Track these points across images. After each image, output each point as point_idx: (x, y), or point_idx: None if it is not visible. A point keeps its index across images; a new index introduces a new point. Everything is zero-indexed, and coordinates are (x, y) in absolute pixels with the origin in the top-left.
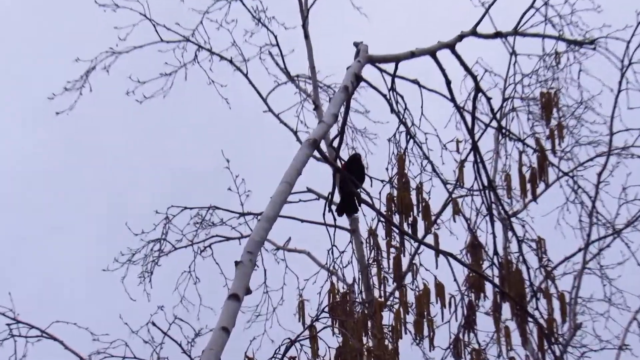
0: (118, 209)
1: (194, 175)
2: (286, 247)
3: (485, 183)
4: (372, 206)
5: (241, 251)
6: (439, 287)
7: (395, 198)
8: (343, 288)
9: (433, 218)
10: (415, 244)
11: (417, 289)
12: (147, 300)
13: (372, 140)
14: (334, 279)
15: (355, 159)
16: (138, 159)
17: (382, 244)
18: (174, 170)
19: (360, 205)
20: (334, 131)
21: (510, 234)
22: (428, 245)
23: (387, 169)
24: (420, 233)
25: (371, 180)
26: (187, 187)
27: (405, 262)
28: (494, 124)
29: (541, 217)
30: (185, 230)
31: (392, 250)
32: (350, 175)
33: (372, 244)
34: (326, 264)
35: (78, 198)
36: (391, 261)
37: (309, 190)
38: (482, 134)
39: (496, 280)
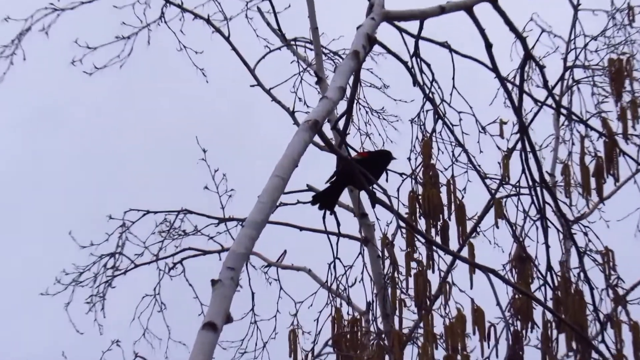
0: (61, 215)
1: (159, 170)
2: (280, 263)
3: (537, 178)
4: (389, 207)
5: (220, 267)
6: (477, 313)
7: (419, 197)
8: (350, 314)
9: (469, 223)
10: (446, 257)
11: (448, 316)
12: (98, 332)
13: (391, 124)
14: (339, 302)
15: (385, 155)
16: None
17: (402, 256)
18: (134, 164)
19: (374, 207)
20: (340, 110)
21: (569, 244)
22: (462, 259)
23: (409, 158)
24: (453, 243)
25: (387, 174)
26: (151, 185)
27: (433, 280)
28: (550, 101)
29: (616, 222)
30: (149, 241)
31: (415, 265)
32: (362, 166)
33: (389, 257)
34: (326, 282)
35: (12, 197)
36: (413, 280)
37: (310, 189)
38: (536, 114)
39: (550, 304)
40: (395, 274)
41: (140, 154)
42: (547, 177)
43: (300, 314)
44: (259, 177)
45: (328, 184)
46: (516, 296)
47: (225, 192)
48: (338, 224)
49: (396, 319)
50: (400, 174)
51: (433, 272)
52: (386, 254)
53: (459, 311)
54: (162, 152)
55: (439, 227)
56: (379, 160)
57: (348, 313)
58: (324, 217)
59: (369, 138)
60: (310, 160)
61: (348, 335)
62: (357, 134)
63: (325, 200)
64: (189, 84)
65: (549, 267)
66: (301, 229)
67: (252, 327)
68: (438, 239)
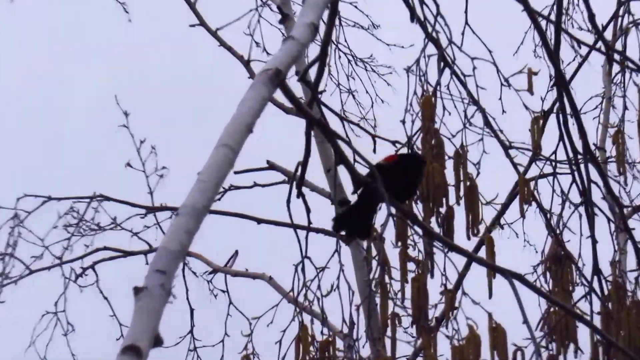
0: None
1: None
2: (230, 267)
3: (581, 149)
4: (370, 185)
5: (145, 272)
6: (497, 333)
7: None
8: (324, 334)
9: (485, 210)
10: (455, 257)
11: (457, 336)
12: None
13: (382, 77)
14: (309, 318)
15: (415, 160)
16: None
17: (395, 255)
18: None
19: (412, 225)
20: (312, 56)
21: (623, 238)
22: (476, 259)
23: (403, 121)
24: (461, 236)
25: (374, 142)
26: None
27: (434, 287)
28: (598, 44)
29: None
30: (49, 238)
31: (414, 267)
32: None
33: (377, 256)
34: (291, 290)
35: None
36: (410, 287)
37: (271, 166)
38: (580, 65)
39: (597, 321)
40: (386, 279)
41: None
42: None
43: (256, 334)
44: (201, 150)
45: (352, 201)
46: (551, 310)
47: (155, 170)
48: (308, 213)
49: (387, 342)
50: (393, 142)
51: (432, 276)
52: (373, 252)
53: (471, 330)
54: (72, 119)
55: (442, 215)
56: (410, 167)
57: (321, 333)
58: (288, 204)
59: (353, 97)
60: (271, 124)
61: None
62: (335, 91)
63: (353, 226)
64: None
65: (596, 271)
66: (259, 221)
67: (191, 355)
68: (443, 232)
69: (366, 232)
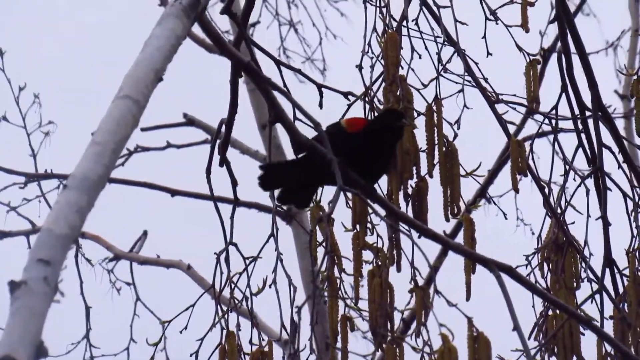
0: None
1: None
2: (137, 253)
3: (589, 104)
4: (316, 151)
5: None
6: (479, 343)
7: None
8: (255, 343)
9: (466, 183)
10: (425, 244)
11: (427, 347)
12: None
13: (334, 5)
14: (236, 319)
15: (393, 118)
16: None
17: (348, 242)
18: None
19: (371, 203)
20: None
21: None
22: (452, 246)
23: (359, 66)
24: (436, 217)
25: (321, 93)
26: None
27: (400, 283)
28: None
29: None
30: None
31: (371, 258)
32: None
33: (324, 242)
34: (212, 286)
35: None
36: (367, 284)
37: (189, 121)
38: None
39: (608, 328)
40: (336, 273)
41: None
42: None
43: (170, 340)
44: (98, 102)
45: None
46: (549, 312)
47: (39, 126)
48: (234, 186)
49: (337, 354)
50: (345, 94)
51: (399, 269)
52: (320, 237)
53: (445, 340)
54: None
55: (410, 189)
56: (384, 134)
57: (250, 342)
58: (208, 173)
59: (295, 31)
60: (189, 67)
61: None
62: (273, 24)
63: (287, 186)
64: None
65: (609, 262)
66: (173, 192)
67: None
68: (411, 212)
69: (305, 199)
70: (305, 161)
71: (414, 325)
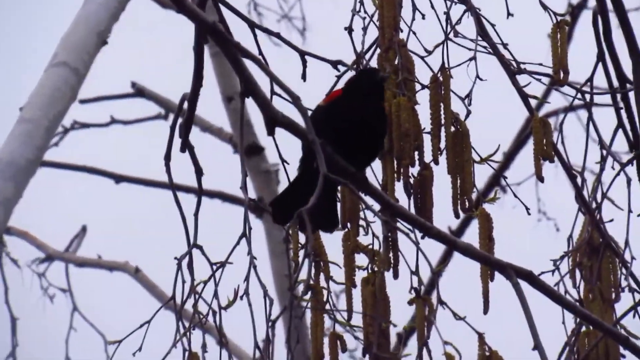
0: None
1: None
2: (74, 253)
3: (630, 76)
4: (294, 132)
5: None
6: None
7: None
8: None
9: (480, 170)
10: (429, 245)
11: None
12: None
13: None
14: (200, 336)
15: (369, 74)
16: None
17: (336, 244)
18: None
19: (363, 196)
20: None
21: None
22: (462, 248)
23: (349, 29)
24: (443, 212)
25: (304, 62)
26: None
27: (398, 292)
28: None
29: None
30: None
31: (365, 261)
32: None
33: (305, 244)
34: (173, 297)
35: None
36: (361, 293)
37: (137, 91)
38: None
39: None
40: (319, 280)
41: None
42: None
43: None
44: (30, 71)
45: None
46: (581, 329)
47: None
48: (199, 176)
49: None
50: (334, 63)
51: (396, 276)
52: (300, 236)
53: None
54: None
55: (412, 178)
56: (363, 97)
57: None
58: (167, 161)
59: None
60: (141, 27)
61: None
62: None
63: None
64: None
65: None
66: (118, 178)
67: None
68: (412, 207)
69: (332, 219)
70: (304, 170)
71: (413, 343)
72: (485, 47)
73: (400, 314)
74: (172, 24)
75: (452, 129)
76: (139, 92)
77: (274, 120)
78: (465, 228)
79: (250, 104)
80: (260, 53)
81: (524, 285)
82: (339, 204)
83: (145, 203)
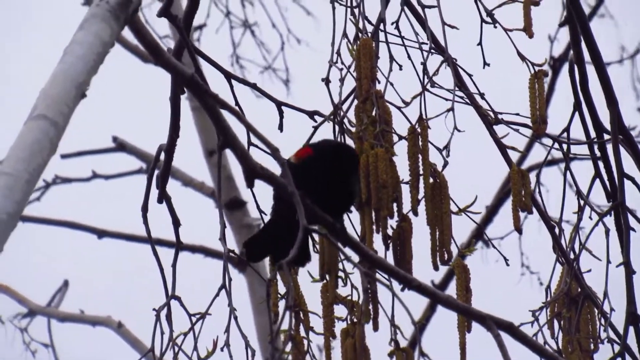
0: None
1: None
2: (56, 308)
3: (608, 126)
4: (274, 183)
5: None
6: None
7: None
8: None
9: (458, 222)
10: (410, 296)
11: None
12: None
13: (298, 2)
14: None
15: (341, 151)
16: None
17: (315, 295)
18: None
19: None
20: None
21: None
22: (441, 299)
23: (326, 79)
24: (422, 264)
25: (281, 113)
26: None
27: (378, 343)
28: None
29: None
30: None
31: (345, 313)
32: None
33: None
34: (151, 349)
35: None
36: (341, 346)
37: (119, 146)
38: None
39: None
40: (301, 333)
41: None
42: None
43: None
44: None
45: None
46: None
47: None
48: (176, 227)
49: None
50: (310, 114)
51: (376, 328)
52: (281, 287)
53: None
54: None
55: (390, 231)
56: (341, 157)
57: None
58: (144, 212)
59: (251, 33)
60: (121, 79)
61: None
62: (224, 25)
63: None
64: None
65: (633, 318)
66: (100, 233)
67: None
68: (392, 258)
69: (304, 253)
70: (278, 213)
71: None
72: (462, 98)
73: None
74: (154, 77)
75: (430, 180)
76: (121, 146)
77: (253, 172)
78: (449, 281)
79: (232, 158)
80: (237, 104)
81: (505, 336)
82: (316, 255)
83: (128, 257)
